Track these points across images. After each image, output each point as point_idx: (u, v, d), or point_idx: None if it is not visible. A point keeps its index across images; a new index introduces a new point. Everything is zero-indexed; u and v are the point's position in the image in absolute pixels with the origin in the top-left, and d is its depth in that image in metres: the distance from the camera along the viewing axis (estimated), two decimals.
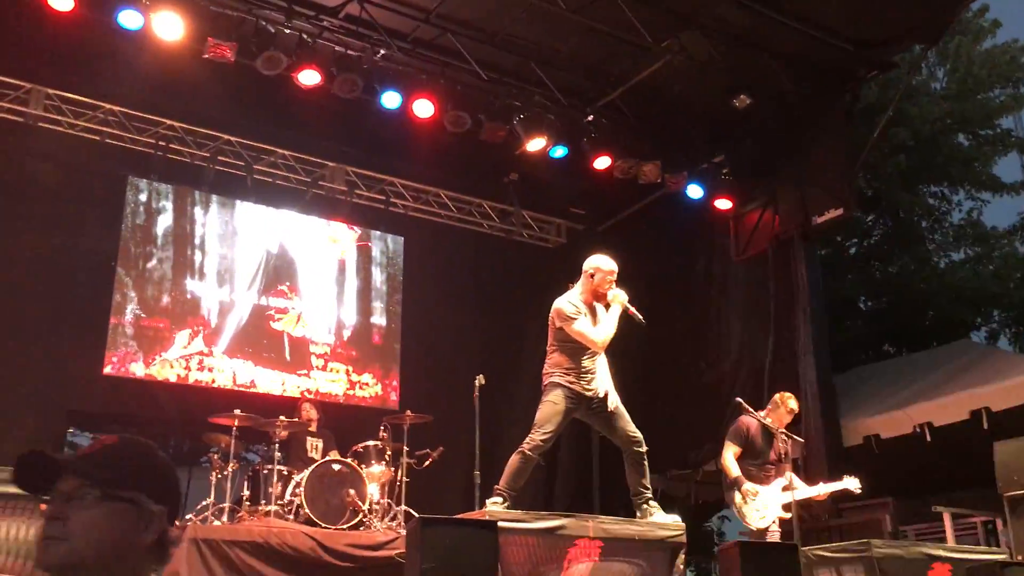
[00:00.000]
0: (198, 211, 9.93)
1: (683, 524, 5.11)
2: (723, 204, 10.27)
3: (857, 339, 15.39)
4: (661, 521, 4.97)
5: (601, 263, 5.52)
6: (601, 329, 5.36)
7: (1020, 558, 6.47)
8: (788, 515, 6.28)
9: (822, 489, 6.51)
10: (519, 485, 5.10)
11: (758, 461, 6.48)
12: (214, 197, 10.03)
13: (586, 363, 5.33)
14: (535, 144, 9.43)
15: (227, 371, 9.53)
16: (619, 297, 5.37)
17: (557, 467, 10.82)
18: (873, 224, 16.60)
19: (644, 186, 10.21)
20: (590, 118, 9.66)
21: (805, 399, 9.27)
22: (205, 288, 9.73)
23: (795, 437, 6.57)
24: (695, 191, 10.16)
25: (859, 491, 6.54)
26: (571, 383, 5.27)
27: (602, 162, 9.71)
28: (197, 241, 9.82)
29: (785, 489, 6.37)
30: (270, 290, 10.06)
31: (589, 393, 5.29)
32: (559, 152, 9.69)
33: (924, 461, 8.89)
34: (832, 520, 8.42)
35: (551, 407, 5.22)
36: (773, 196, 10.08)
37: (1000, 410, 8.31)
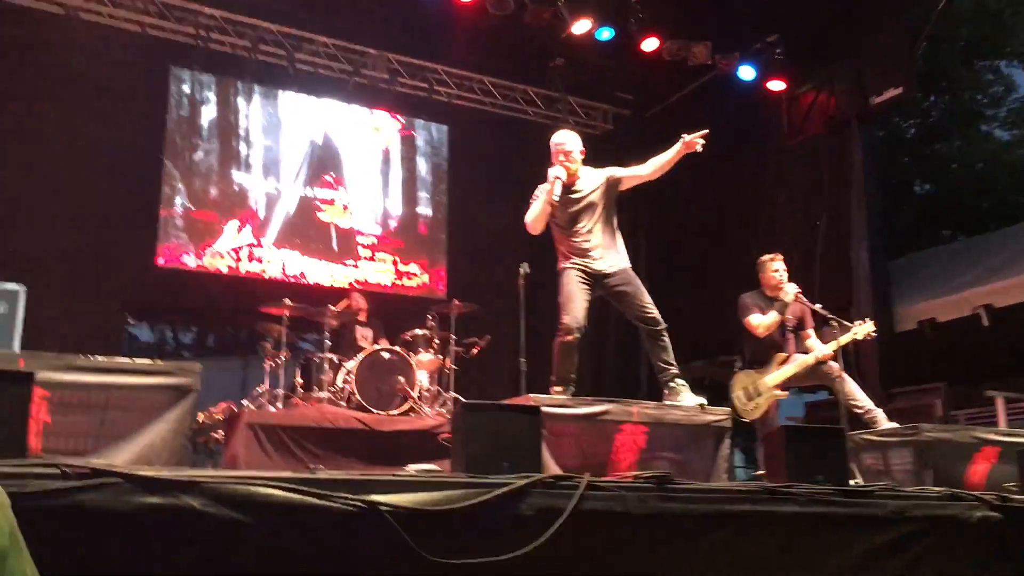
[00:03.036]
0: (241, 102, 9.88)
1: (728, 409, 5.09)
2: (776, 85, 9.92)
3: (913, 224, 15.02)
4: (695, 403, 4.90)
5: (552, 138, 5.40)
6: (531, 209, 5.27)
7: None
8: (783, 394, 6.12)
9: (827, 348, 6.03)
10: (570, 370, 5.09)
11: (763, 341, 6.20)
12: (256, 87, 9.95)
13: (581, 240, 5.19)
14: (581, 26, 9.15)
15: (276, 262, 9.64)
16: (550, 174, 5.19)
17: (604, 359, 10.89)
18: (932, 104, 15.97)
19: (694, 69, 9.89)
20: None
21: (857, 286, 9.14)
22: (252, 180, 9.77)
23: (804, 301, 6.20)
24: (747, 72, 9.82)
25: (872, 334, 6.10)
26: (574, 263, 5.18)
27: (650, 44, 9.40)
28: (242, 132, 9.81)
29: (781, 364, 6.13)
30: (316, 181, 10.07)
31: (596, 268, 5.16)
32: (605, 34, 9.40)
33: (980, 345, 8.73)
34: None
35: (564, 292, 5.16)
36: (829, 76, 9.69)
37: None
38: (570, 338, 5.07)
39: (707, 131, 5.18)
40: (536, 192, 5.35)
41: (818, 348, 6.16)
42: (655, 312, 5.14)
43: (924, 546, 3.73)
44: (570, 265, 5.20)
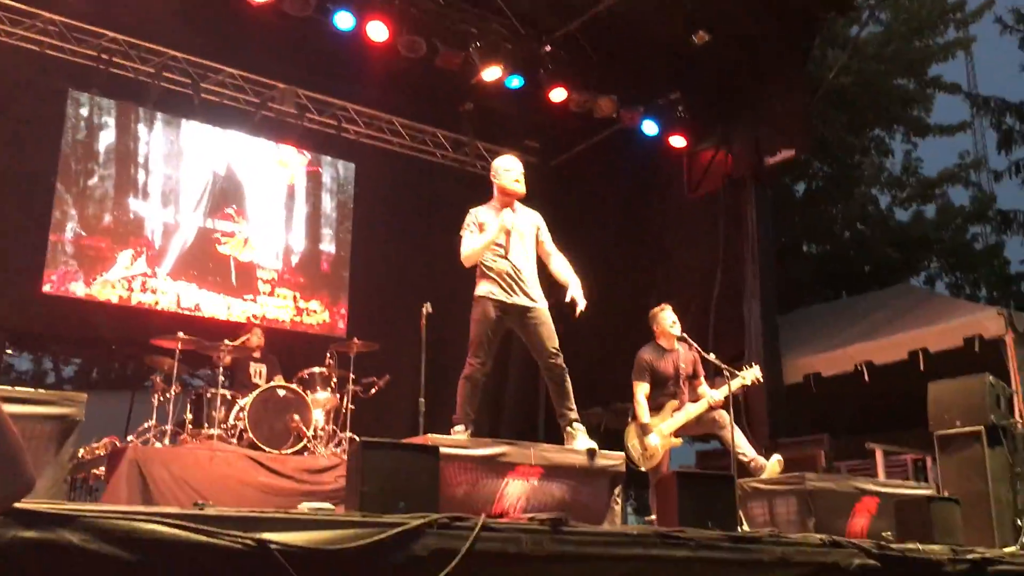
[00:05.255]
0: (142, 128, 9.64)
1: (622, 454, 5.16)
2: (678, 141, 10.26)
3: (800, 281, 15.66)
4: (587, 447, 4.92)
5: (497, 161, 5.44)
6: (468, 242, 5.18)
7: (946, 493, 6.71)
8: (677, 441, 6.23)
9: (717, 394, 6.17)
10: (471, 409, 5.07)
11: (659, 390, 6.33)
12: (159, 115, 9.73)
13: (504, 265, 5.15)
14: (491, 73, 9.30)
15: (171, 293, 9.37)
16: (502, 218, 5.18)
17: (504, 401, 10.92)
18: (819, 167, 16.78)
19: (599, 120, 10.14)
20: (547, 49, 9.53)
21: (749, 338, 9.45)
22: (149, 208, 9.50)
23: (696, 347, 6.32)
24: (650, 127, 10.13)
25: (759, 380, 6.30)
26: (490, 292, 5.14)
27: (558, 94, 9.61)
28: (141, 159, 9.55)
29: (675, 411, 6.25)
30: (216, 213, 9.87)
31: (513, 299, 5.13)
32: (515, 82, 9.58)
33: (862, 400, 9.13)
34: (769, 454, 8.63)
35: (475, 326, 5.13)
36: (727, 135, 10.09)
37: (937, 351, 8.53)
38: (476, 376, 5.07)
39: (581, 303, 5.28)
40: (467, 222, 5.25)
41: (709, 394, 6.32)
42: (560, 358, 5.16)
43: None
44: (486, 295, 5.14)
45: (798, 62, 9.80)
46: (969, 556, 4.61)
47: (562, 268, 5.41)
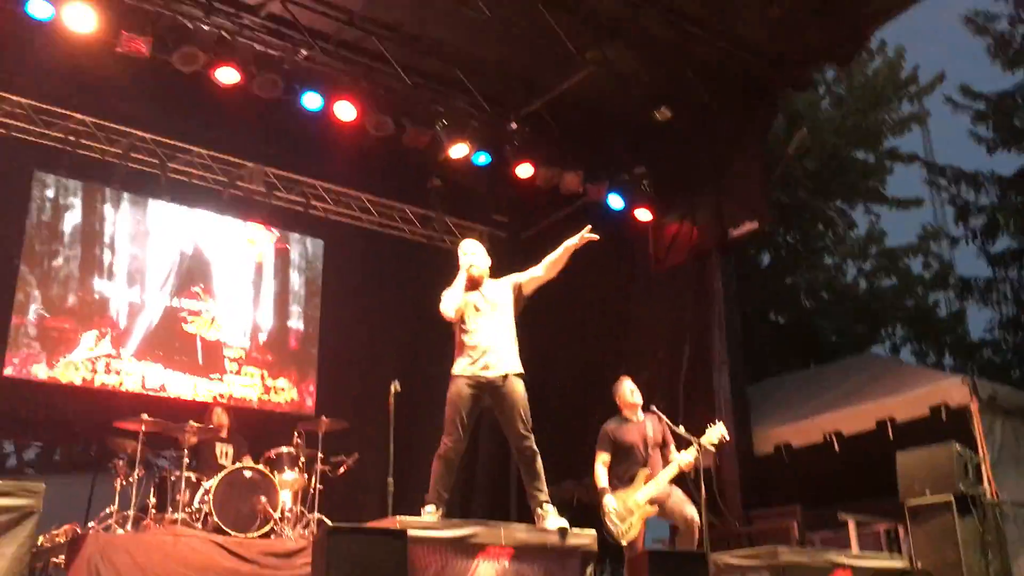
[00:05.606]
0: (108, 209, 9.62)
1: (595, 533, 5.11)
2: (643, 215, 10.39)
3: (767, 350, 15.76)
4: (557, 526, 4.90)
5: (461, 245, 5.61)
6: (445, 295, 5.28)
7: (919, 565, 6.69)
8: (653, 509, 6.14)
9: (686, 456, 6.11)
10: (444, 489, 5.05)
11: (629, 461, 6.28)
12: (125, 195, 9.73)
13: (476, 341, 5.21)
14: (458, 150, 9.43)
15: (136, 374, 9.25)
16: (463, 263, 5.36)
17: (475, 478, 10.79)
18: (782, 237, 17.04)
19: (565, 195, 10.28)
20: (513, 126, 9.69)
21: (719, 409, 9.46)
22: (114, 288, 9.43)
23: (662, 417, 6.32)
24: (616, 201, 10.28)
25: (725, 438, 6.22)
26: (464, 370, 5.17)
27: (524, 170, 9.75)
28: (107, 240, 9.52)
29: (648, 479, 6.20)
30: (183, 291, 9.81)
31: (486, 374, 5.15)
32: (482, 159, 9.71)
33: (833, 470, 9.11)
34: (742, 527, 8.57)
35: (450, 405, 5.14)
36: (691, 208, 10.25)
37: (904, 420, 8.58)
38: (451, 456, 5.05)
39: (590, 227, 5.44)
40: (443, 295, 5.35)
41: (678, 457, 6.24)
42: (531, 440, 5.15)
43: None
44: (460, 373, 5.18)
45: (758, 137, 10.03)
46: None
47: (550, 257, 5.48)
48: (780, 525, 7.96)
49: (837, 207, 17.15)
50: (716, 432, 6.23)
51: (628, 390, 6.50)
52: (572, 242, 5.45)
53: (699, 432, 6.31)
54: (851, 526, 7.79)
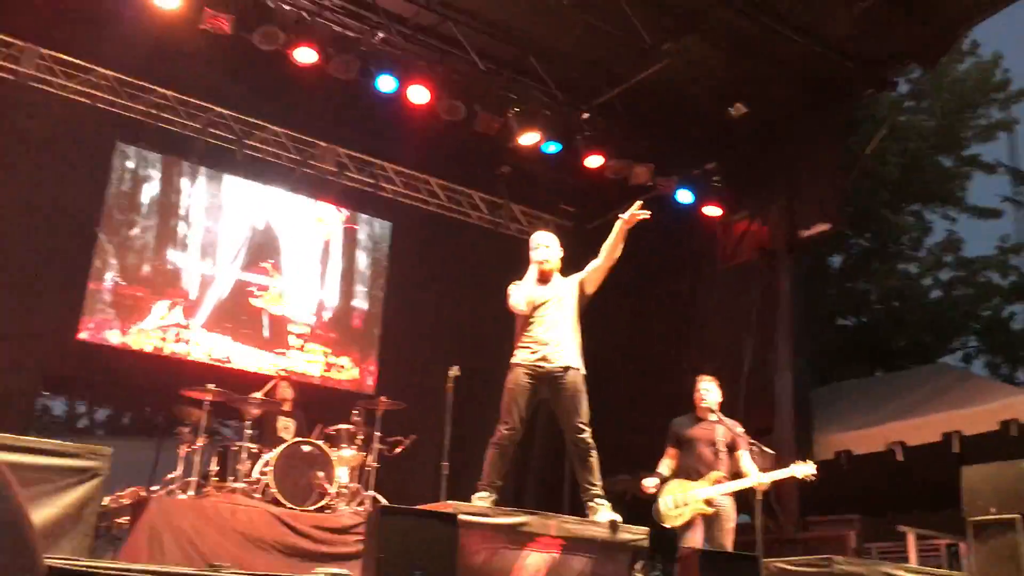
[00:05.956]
0: (185, 182, 9.86)
1: (646, 528, 5.08)
2: (712, 211, 10.27)
3: (832, 354, 15.47)
4: (608, 520, 4.89)
5: (533, 236, 5.56)
6: (513, 291, 5.29)
7: None
8: (710, 510, 6.05)
9: (764, 477, 5.98)
10: (498, 476, 5.07)
11: (693, 458, 6.18)
12: (202, 169, 9.97)
13: (538, 333, 5.22)
14: (528, 138, 9.41)
15: (204, 345, 9.48)
16: (535, 256, 5.36)
17: (529, 464, 10.82)
18: (855, 240, 16.68)
19: (635, 187, 10.20)
20: (585, 116, 9.64)
21: (780, 411, 9.32)
22: (187, 260, 9.67)
23: (730, 425, 6.16)
24: (685, 196, 10.16)
25: (812, 477, 5.99)
26: (524, 359, 5.19)
27: (594, 161, 9.70)
28: (182, 212, 9.76)
29: (716, 482, 6.20)
30: (252, 266, 10.02)
31: (546, 366, 5.16)
32: (552, 148, 9.67)
33: (894, 480, 8.93)
34: (798, 533, 8.45)
35: (507, 393, 5.17)
36: (762, 206, 10.09)
37: (971, 435, 8.36)
38: (505, 443, 5.07)
39: (640, 202, 5.33)
40: (510, 288, 5.38)
41: (754, 474, 6.13)
42: (587, 433, 5.14)
43: None
44: (520, 362, 5.20)
45: (835, 137, 9.82)
46: None
47: (606, 243, 5.42)
48: (837, 533, 7.82)
49: (914, 211, 16.71)
50: (803, 471, 6.06)
51: (703, 389, 6.43)
52: (623, 219, 5.36)
53: (756, 436, 6.21)
54: (910, 539, 7.62)
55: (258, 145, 10.12)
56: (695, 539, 5.96)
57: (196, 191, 9.91)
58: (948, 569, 7.27)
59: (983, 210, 16.72)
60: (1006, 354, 17.33)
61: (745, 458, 6.30)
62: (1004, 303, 17.48)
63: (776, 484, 6.42)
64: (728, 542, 6.00)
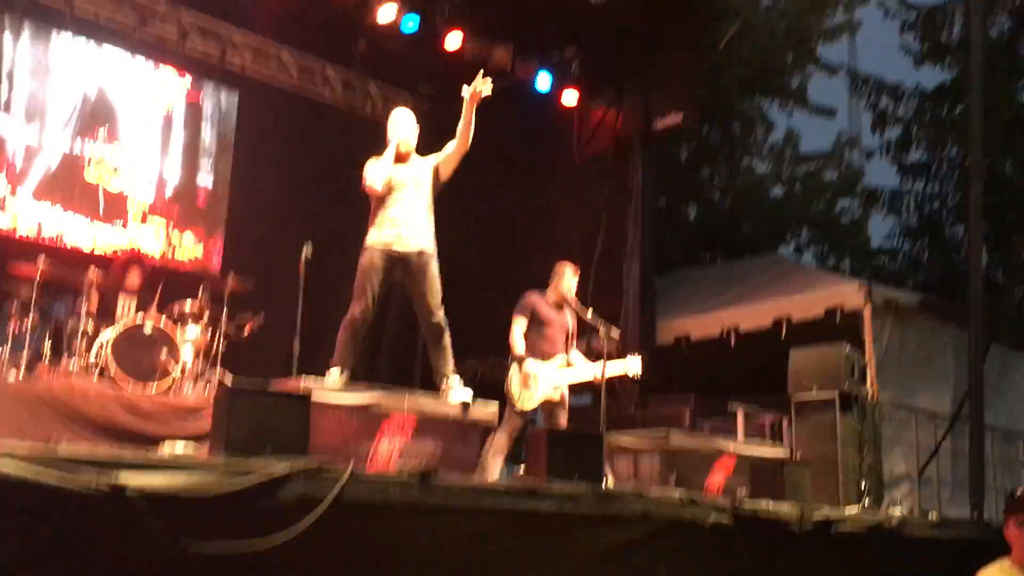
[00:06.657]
0: (6, 39, 8.97)
1: (496, 406, 5.21)
2: (570, 97, 10.25)
3: (675, 243, 16.06)
4: (461, 399, 4.98)
5: (391, 115, 5.56)
6: (370, 167, 5.25)
7: (798, 456, 7.09)
8: (556, 397, 6.30)
9: (599, 370, 6.17)
10: (351, 356, 5.12)
11: (543, 339, 6.38)
12: (27, 24, 9.06)
13: (393, 214, 5.22)
14: (386, 13, 9.05)
15: (32, 216, 8.82)
16: (393, 136, 5.34)
17: (381, 345, 10.82)
18: (704, 133, 17.17)
19: (493, 72, 10.02)
20: None
21: (627, 298, 9.66)
22: (10, 125, 8.89)
23: (586, 315, 6.36)
24: (543, 81, 10.08)
25: (638, 375, 6.39)
26: (378, 240, 5.20)
27: (453, 39, 9.44)
28: (3, 72, 8.91)
29: (563, 368, 6.35)
30: (85, 136, 9.31)
31: (400, 248, 5.18)
32: (410, 24, 9.34)
33: (728, 363, 9.47)
34: (637, 411, 8.88)
35: (361, 274, 5.19)
36: (618, 95, 10.17)
37: (800, 320, 8.92)
38: (358, 324, 5.08)
39: (483, 71, 5.45)
40: (367, 164, 5.31)
41: (591, 367, 6.33)
42: (440, 316, 5.22)
43: (664, 545, 4.02)
44: (374, 244, 5.18)
45: (694, 28, 9.93)
46: (815, 515, 4.89)
47: (459, 126, 5.50)
48: (673, 411, 8.27)
49: (758, 108, 17.29)
50: (632, 366, 6.30)
51: (572, 281, 6.54)
52: (467, 92, 5.34)
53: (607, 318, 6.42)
54: (739, 416, 8.16)
55: (90, 7, 9.28)
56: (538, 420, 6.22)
57: (20, 49, 9.03)
58: (771, 442, 7.85)
59: (821, 108, 17.47)
60: (833, 246, 18.54)
61: (576, 351, 6.53)
62: (835, 198, 18.62)
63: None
64: (564, 423, 6.27)
